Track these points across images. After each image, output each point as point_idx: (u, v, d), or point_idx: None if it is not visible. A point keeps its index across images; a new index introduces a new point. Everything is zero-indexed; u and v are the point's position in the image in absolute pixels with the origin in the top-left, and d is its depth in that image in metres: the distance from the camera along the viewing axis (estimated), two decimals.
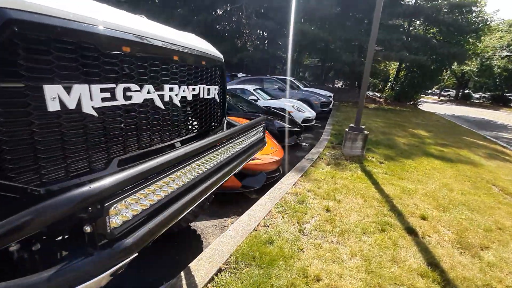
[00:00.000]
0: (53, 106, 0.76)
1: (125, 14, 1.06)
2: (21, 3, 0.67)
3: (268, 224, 3.09)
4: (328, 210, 3.43)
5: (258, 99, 9.07)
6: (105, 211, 0.62)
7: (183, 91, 1.38)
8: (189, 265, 2.35)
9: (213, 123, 1.85)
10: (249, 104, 7.67)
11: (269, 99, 9.47)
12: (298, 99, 10.41)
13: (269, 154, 4.54)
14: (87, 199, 0.59)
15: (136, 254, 0.71)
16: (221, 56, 1.86)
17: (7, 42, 0.64)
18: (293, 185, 4.15)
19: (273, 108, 8.12)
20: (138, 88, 1.06)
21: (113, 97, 0.95)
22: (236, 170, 1.56)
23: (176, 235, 2.99)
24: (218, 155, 1.34)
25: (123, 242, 0.65)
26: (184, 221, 2.89)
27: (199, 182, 1.11)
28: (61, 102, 0.78)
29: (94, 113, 0.89)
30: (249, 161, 1.86)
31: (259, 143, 1.92)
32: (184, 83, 1.38)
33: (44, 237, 0.70)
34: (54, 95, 0.76)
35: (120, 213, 0.67)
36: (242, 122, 5.65)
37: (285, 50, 19.93)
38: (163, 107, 1.23)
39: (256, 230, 2.95)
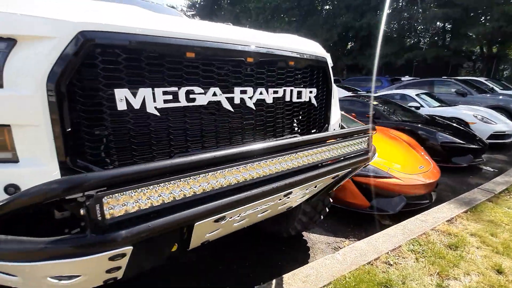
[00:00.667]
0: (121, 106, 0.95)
1: (189, 22, 1.16)
2: (101, 25, 0.87)
3: (392, 263, 2.44)
4: (500, 272, 2.27)
5: (422, 106, 7.43)
6: (97, 200, 0.71)
7: (260, 93, 1.34)
8: (283, 276, 2.26)
9: (307, 129, 1.68)
10: (405, 112, 6.44)
11: (439, 106, 7.53)
12: (488, 106, 7.62)
13: (414, 174, 3.61)
14: (77, 185, 0.70)
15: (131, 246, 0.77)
16: (322, 55, 1.65)
17: (88, 57, 0.86)
18: (447, 221, 3.08)
19: (442, 117, 6.39)
20: (202, 91, 1.13)
21: (175, 99, 1.06)
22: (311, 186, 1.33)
23: (284, 240, 2.98)
24: (283, 162, 1.19)
25: (115, 233, 0.71)
26: (292, 229, 2.82)
27: (243, 189, 1.02)
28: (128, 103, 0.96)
29: (156, 112, 1.03)
30: (337, 177, 1.53)
31: (356, 158, 1.53)
32: (261, 85, 1.34)
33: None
34: (122, 97, 0.95)
35: (117, 206, 0.74)
36: (387, 132, 4.79)
37: (474, 43, 15.10)
38: (232, 110, 1.25)
39: (372, 264, 2.41)
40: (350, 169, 1.58)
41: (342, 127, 2.42)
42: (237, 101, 1.26)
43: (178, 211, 0.84)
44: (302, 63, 1.52)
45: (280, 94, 1.44)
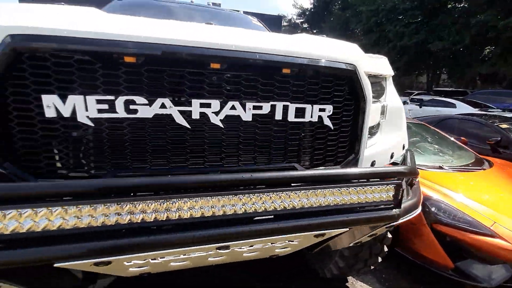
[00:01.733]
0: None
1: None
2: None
3: None
4: None
5: None
6: None
7: (232, 108, 1.05)
8: None
9: (314, 159, 1.26)
10: None
11: None
12: None
13: None
14: None
15: None
16: (347, 60, 1.20)
17: None
18: None
19: None
20: (146, 102, 0.96)
21: (111, 109, 0.94)
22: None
23: (325, 280, 2.48)
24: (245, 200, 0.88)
25: None
26: (327, 270, 2.31)
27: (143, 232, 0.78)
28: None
29: (89, 122, 0.94)
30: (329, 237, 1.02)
31: (377, 213, 1.00)
32: (233, 98, 1.05)
33: None
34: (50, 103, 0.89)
35: None
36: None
37: None
38: (188, 126, 1.03)
39: None
40: (347, 228, 1.08)
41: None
42: (195, 116, 1.03)
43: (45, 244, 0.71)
44: (306, 71, 1.13)
45: (265, 111, 1.10)
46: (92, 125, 0.95)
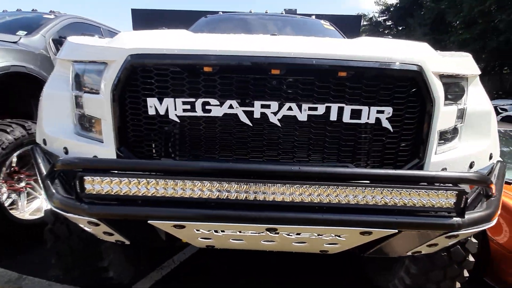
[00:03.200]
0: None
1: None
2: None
3: None
4: None
5: None
6: (78, 177, 0.95)
7: (288, 109, 1.17)
8: None
9: (371, 161, 1.26)
10: None
11: None
12: None
13: None
14: (67, 164, 0.97)
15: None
16: (410, 61, 1.17)
17: None
18: None
19: None
20: (218, 103, 1.18)
21: (193, 109, 1.19)
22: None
23: None
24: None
25: (88, 205, 0.94)
26: (392, 286, 2.16)
27: (216, 207, 0.98)
28: None
29: (176, 119, 1.21)
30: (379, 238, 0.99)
31: (432, 219, 0.94)
32: (291, 100, 1.17)
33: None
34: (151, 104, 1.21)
35: (95, 185, 0.95)
36: None
37: None
38: (250, 124, 1.20)
39: None
40: (396, 230, 1.04)
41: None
42: (256, 115, 1.19)
43: (138, 205, 0.98)
44: (362, 73, 1.16)
45: (319, 112, 1.19)
46: (178, 121, 1.22)
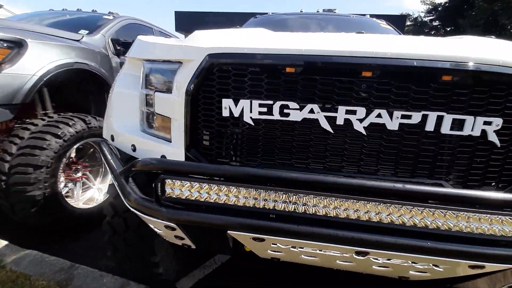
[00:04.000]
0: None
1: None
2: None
3: None
4: None
5: None
6: (160, 180, 0.92)
7: (378, 116, 1.05)
8: None
9: (475, 179, 1.08)
10: None
11: None
12: None
13: None
14: (147, 165, 0.94)
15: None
16: None
17: None
18: None
19: None
20: (297, 107, 1.09)
21: (269, 112, 1.12)
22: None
23: None
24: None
25: (167, 209, 0.90)
26: None
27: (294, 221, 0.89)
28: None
29: (251, 122, 1.14)
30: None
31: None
32: (380, 106, 1.04)
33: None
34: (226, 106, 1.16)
35: (175, 188, 0.91)
36: None
37: None
38: (331, 131, 1.09)
39: None
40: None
41: None
42: (340, 122, 1.08)
43: (220, 214, 0.92)
44: (472, 78, 1.00)
45: (414, 120, 1.04)
46: (253, 124, 1.16)
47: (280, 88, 1.11)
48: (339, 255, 1.01)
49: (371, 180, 1.04)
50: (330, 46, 1.05)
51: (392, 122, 1.06)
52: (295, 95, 1.10)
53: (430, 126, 1.05)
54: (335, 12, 3.47)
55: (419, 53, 1.00)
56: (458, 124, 1.04)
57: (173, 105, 1.26)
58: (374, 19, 3.43)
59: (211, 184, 0.96)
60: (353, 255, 0.96)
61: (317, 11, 3.51)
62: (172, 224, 1.02)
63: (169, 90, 1.31)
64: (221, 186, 0.95)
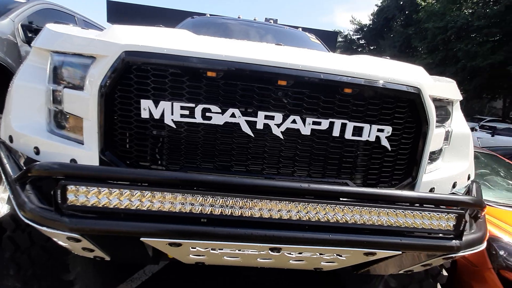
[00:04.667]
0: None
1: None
2: None
3: None
4: None
5: None
6: (59, 186, 0.83)
7: (293, 122, 1.14)
8: None
9: (368, 178, 1.26)
10: None
11: None
12: None
13: None
14: (46, 170, 0.85)
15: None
16: (410, 83, 1.20)
17: None
18: None
19: None
20: (219, 110, 1.11)
21: (191, 115, 1.11)
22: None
23: None
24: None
25: (70, 218, 0.82)
26: None
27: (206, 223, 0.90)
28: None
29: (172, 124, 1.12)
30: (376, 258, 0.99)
31: (435, 241, 0.96)
32: (296, 113, 1.14)
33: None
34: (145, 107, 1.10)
35: (80, 195, 0.84)
36: None
37: None
38: (252, 134, 1.14)
39: None
40: (400, 252, 1.05)
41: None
42: (259, 126, 1.14)
43: (130, 220, 0.88)
44: (367, 91, 1.17)
45: (323, 127, 1.17)
46: (174, 127, 1.13)
47: (202, 92, 1.11)
48: (257, 253, 1.06)
49: (284, 181, 1.12)
50: (250, 54, 1.10)
51: (305, 127, 1.16)
52: (217, 99, 1.12)
53: (336, 132, 1.19)
54: (275, 22, 3.64)
55: (325, 67, 1.12)
56: (358, 131, 1.20)
57: (85, 104, 1.15)
58: (306, 33, 3.72)
59: (122, 190, 0.90)
60: (269, 252, 1.02)
61: (254, 19, 3.64)
62: (76, 235, 0.92)
63: (80, 87, 1.19)
64: (132, 191, 0.90)
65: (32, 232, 1.54)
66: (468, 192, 1.62)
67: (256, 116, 1.13)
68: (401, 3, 27.61)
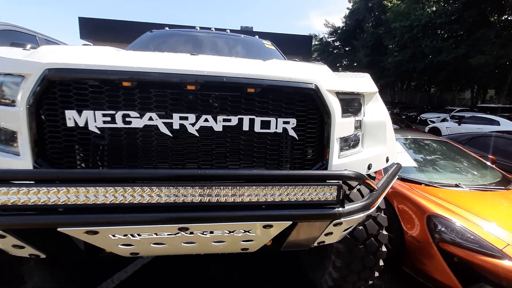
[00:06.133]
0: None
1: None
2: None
3: None
4: None
5: None
6: None
7: (205, 120, 1.31)
8: None
9: (282, 164, 1.44)
10: None
11: None
12: None
13: None
14: None
15: None
16: (306, 80, 1.40)
17: None
18: None
19: None
20: (138, 115, 1.26)
21: (113, 121, 1.26)
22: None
23: None
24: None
25: None
26: (323, 281, 2.36)
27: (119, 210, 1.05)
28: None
29: (96, 130, 1.26)
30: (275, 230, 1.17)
31: (318, 210, 1.14)
32: (207, 112, 1.31)
33: None
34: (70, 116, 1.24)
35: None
36: None
37: None
38: (170, 134, 1.30)
39: None
40: (291, 222, 1.23)
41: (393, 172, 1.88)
42: (176, 126, 1.30)
43: (43, 214, 1.01)
44: (267, 89, 1.35)
45: (233, 123, 1.34)
46: (99, 132, 1.27)
47: (120, 100, 1.26)
48: (173, 236, 1.21)
49: (184, 169, 1.29)
50: (160, 64, 1.27)
51: (217, 124, 1.33)
52: (135, 105, 1.27)
53: (246, 127, 1.36)
54: (227, 32, 3.85)
55: (228, 71, 1.30)
56: (266, 124, 1.38)
57: (17, 118, 1.27)
58: (264, 40, 3.95)
59: (39, 187, 1.03)
60: (182, 233, 1.17)
61: (211, 29, 3.83)
62: None
63: (13, 103, 1.31)
64: (49, 188, 1.03)
65: None
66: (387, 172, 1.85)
67: (171, 118, 1.30)
68: (370, 5, 28.83)
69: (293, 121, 1.42)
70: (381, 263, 2.28)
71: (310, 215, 1.23)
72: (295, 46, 18.64)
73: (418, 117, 20.21)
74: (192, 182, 1.13)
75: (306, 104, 1.43)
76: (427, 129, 12.98)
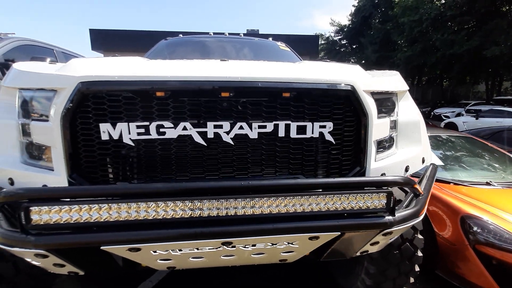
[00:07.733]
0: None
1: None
2: None
3: None
4: None
5: None
6: (22, 208, 0.94)
7: (240, 128, 1.27)
8: None
9: (320, 170, 1.38)
10: None
11: None
12: None
13: None
14: (10, 196, 0.96)
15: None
16: (343, 81, 1.33)
17: None
18: None
19: None
20: (172, 125, 1.23)
21: (147, 132, 1.23)
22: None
23: None
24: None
25: (34, 236, 0.91)
26: None
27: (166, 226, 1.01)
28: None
29: (131, 142, 1.23)
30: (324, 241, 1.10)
31: (368, 220, 1.07)
32: (241, 119, 1.27)
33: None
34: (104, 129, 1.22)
35: (43, 215, 0.94)
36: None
37: None
38: (204, 144, 1.26)
39: None
40: (339, 232, 1.16)
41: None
42: (210, 135, 1.26)
43: (88, 232, 0.98)
44: (303, 93, 1.30)
45: (268, 129, 1.29)
46: (133, 145, 1.25)
47: (154, 110, 1.23)
48: (214, 250, 1.16)
49: (226, 180, 1.24)
50: (193, 72, 1.23)
51: (252, 132, 1.28)
52: (169, 116, 1.24)
53: (281, 133, 1.31)
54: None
55: (262, 76, 1.26)
56: (302, 129, 1.33)
57: (51, 133, 1.26)
58: (278, 42, 3.91)
59: (81, 205, 1.00)
60: (224, 247, 1.12)
61: (224, 34, 3.82)
62: (42, 251, 1.01)
63: (46, 119, 1.30)
64: (91, 205, 1.00)
65: (18, 261, 1.61)
66: (424, 174, 1.76)
67: (206, 126, 1.26)
68: (376, 1, 28.44)
69: (329, 125, 1.36)
70: (417, 268, 2.18)
71: (360, 224, 1.16)
72: (301, 46, 18.55)
73: (432, 113, 19.73)
74: (236, 194, 1.08)
75: (343, 106, 1.37)
76: (442, 124, 12.63)
